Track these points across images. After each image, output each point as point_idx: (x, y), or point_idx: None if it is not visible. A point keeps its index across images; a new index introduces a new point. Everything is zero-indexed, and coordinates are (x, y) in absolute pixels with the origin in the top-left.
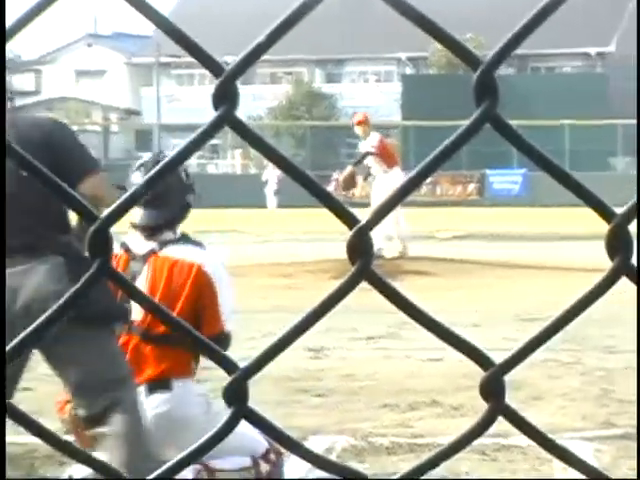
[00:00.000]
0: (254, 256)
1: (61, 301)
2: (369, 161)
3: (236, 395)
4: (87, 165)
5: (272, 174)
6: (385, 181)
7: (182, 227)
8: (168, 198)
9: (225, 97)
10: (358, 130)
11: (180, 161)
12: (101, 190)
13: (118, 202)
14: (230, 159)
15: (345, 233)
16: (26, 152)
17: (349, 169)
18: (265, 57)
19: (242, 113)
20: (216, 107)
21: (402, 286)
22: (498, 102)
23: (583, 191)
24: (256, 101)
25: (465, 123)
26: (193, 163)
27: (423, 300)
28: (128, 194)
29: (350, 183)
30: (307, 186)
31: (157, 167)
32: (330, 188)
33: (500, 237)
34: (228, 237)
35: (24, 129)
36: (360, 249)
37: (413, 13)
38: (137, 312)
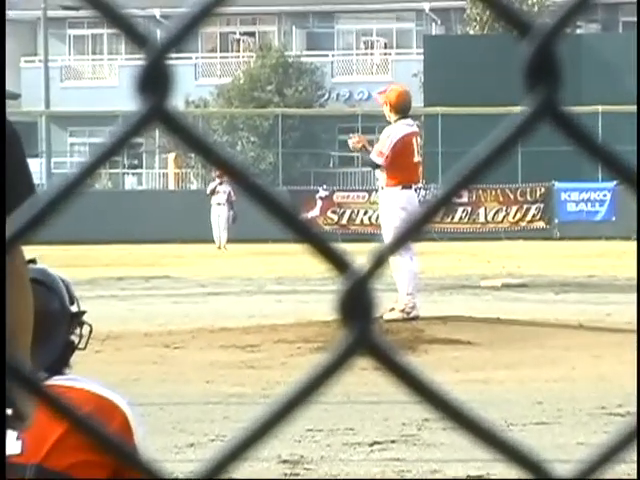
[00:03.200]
0: (197, 316)
1: None
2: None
3: None
4: (24, 195)
5: (222, 189)
6: (395, 199)
7: (92, 271)
8: (47, 333)
9: (155, 82)
10: (383, 106)
11: (82, 181)
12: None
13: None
14: (159, 168)
15: (335, 279)
16: None
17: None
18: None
19: (178, 96)
20: (141, 94)
21: (424, 363)
22: (560, 87)
23: None
24: (200, 78)
25: (520, 111)
26: (103, 173)
27: (457, 384)
28: (13, 232)
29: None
30: (274, 211)
31: (55, 190)
32: (314, 212)
33: (575, 286)
34: (157, 287)
35: None
36: (358, 308)
37: None
38: (15, 443)
